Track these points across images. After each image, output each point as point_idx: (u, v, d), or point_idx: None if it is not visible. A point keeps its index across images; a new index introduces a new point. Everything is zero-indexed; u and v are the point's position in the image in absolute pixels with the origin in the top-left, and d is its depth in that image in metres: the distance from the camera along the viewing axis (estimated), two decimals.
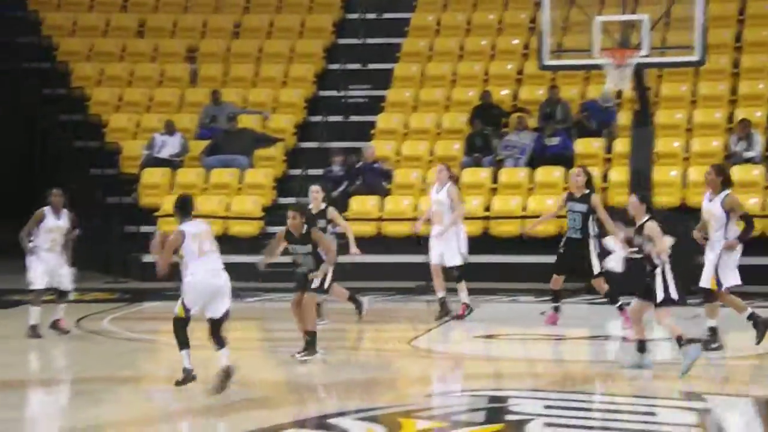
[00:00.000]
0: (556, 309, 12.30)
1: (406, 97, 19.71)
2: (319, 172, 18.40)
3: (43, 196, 12.06)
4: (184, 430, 8.11)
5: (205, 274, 9.01)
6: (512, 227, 16.68)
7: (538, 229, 14.30)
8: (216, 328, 9.07)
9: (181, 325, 9.06)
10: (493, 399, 8.90)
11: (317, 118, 19.63)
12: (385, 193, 17.89)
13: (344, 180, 17.97)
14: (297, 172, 18.74)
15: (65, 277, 12.08)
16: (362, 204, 17.70)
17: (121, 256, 17.85)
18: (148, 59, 20.90)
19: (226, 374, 8.84)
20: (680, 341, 9.41)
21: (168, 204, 17.94)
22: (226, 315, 9.06)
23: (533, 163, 17.91)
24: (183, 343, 9.08)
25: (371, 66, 20.45)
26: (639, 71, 15.29)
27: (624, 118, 18.11)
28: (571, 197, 12.23)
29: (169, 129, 18.75)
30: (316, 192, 12.39)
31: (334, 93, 20.17)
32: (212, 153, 18.65)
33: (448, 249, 12.62)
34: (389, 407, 8.58)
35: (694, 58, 15.03)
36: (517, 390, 9.28)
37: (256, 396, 9.35)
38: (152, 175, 18.40)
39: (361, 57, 20.48)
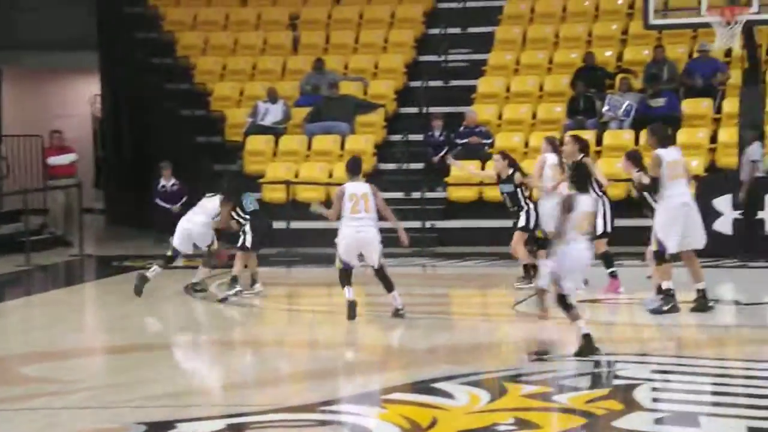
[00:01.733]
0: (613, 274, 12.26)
1: (507, 60, 19.53)
2: (420, 137, 18.40)
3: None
4: (293, 393, 8.24)
5: (351, 230, 10.44)
6: (619, 190, 16.44)
7: None
8: (379, 275, 10.62)
9: (343, 275, 10.56)
10: (600, 364, 8.84)
11: (417, 84, 19.59)
12: (486, 158, 17.80)
13: (445, 145, 17.94)
14: (397, 137, 18.77)
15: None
16: (463, 169, 17.61)
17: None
18: (252, 27, 21.11)
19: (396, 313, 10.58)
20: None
21: (271, 171, 18.20)
22: (381, 264, 10.55)
23: (638, 126, 17.61)
24: (344, 283, 10.60)
25: (471, 30, 20.29)
26: (749, 29, 14.86)
27: (733, 77, 17.64)
28: None
29: (272, 97, 18.94)
30: (496, 160, 12.87)
31: (434, 58, 20.09)
32: (314, 120, 18.79)
33: None
34: (494, 372, 8.58)
35: None
36: (623, 354, 9.20)
37: (365, 359, 9.46)
38: (256, 143, 18.63)
39: (461, 21, 20.33)
